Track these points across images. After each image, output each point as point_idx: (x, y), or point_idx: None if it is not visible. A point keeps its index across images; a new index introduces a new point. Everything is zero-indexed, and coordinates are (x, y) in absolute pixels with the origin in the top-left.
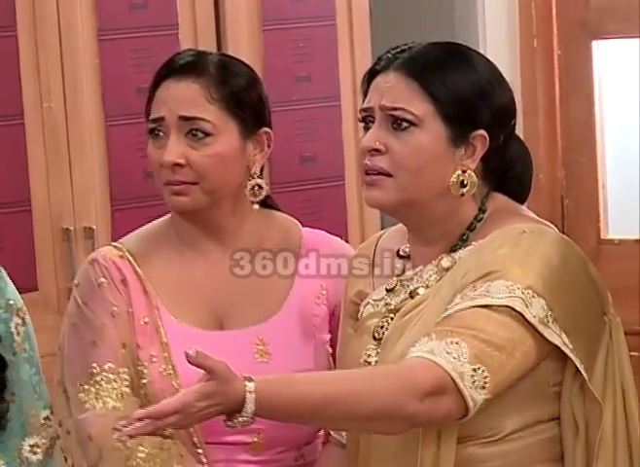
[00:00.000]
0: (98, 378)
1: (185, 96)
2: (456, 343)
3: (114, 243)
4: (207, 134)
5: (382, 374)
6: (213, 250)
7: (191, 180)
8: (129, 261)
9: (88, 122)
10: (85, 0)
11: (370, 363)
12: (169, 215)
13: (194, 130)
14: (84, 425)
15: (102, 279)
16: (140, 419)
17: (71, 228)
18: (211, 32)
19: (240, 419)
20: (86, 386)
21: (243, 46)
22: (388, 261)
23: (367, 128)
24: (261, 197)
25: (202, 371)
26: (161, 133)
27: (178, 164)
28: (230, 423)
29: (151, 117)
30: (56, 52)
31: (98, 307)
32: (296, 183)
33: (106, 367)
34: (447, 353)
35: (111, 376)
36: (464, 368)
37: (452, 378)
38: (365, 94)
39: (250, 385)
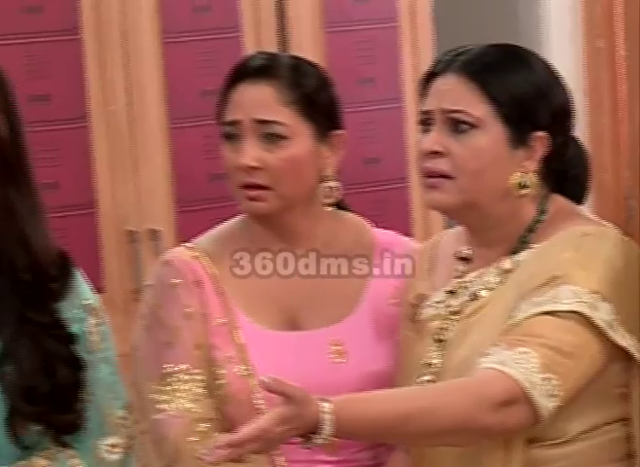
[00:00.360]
0: (173, 379)
1: (260, 99)
2: (526, 353)
3: (187, 244)
4: (282, 137)
5: (455, 388)
6: (287, 252)
7: (266, 183)
8: (203, 262)
9: (152, 124)
10: (149, 3)
11: (430, 365)
12: (240, 217)
13: (269, 133)
14: (159, 426)
15: (176, 280)
16: (222, 447)
17: (136, 230)
18: (274, 35)
19: (318, 441)
20: (160, 387)
21: (306, 48)
22: (448, 263)
23: (425, 131)
24: (334, 199)
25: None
26: (237, 136)
27: (254, 167)
28: (306, 445)
29: (226, 120)
30: (121, 54)
31: (172, 309)
32: (359, 185)
33: (180, 368)
34: (517, 363)
35: (185, 377)
36: (534, 377)
37: (523, 389)
38: (423, 97)
39: (326, 407)
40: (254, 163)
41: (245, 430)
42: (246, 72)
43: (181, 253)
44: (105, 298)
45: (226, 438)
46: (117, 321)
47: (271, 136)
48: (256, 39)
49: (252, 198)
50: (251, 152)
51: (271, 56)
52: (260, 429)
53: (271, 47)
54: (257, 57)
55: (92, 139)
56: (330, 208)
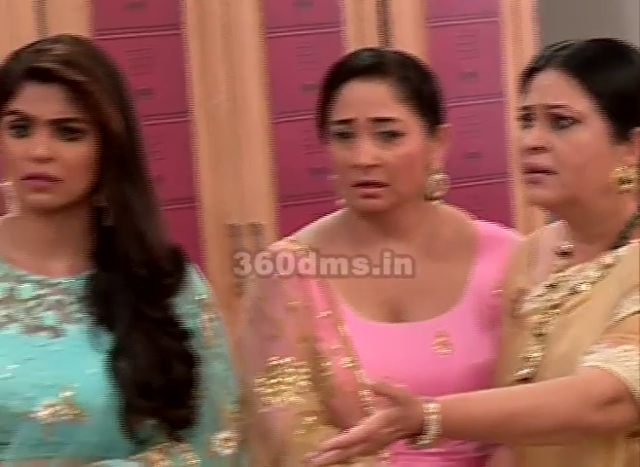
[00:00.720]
0: (278, 373)
1: (374, 97)
2: (630, 350)
3: (290, 238)
4: (398, 134)
5: (560, 387)
6: (392, 245)
7: (383, 180)
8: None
9: (253, 118)
10: None
11: (529, 359)
12: (342, 211)
13: (385, 131)
14: (265, 419)
15: (280, 274)
16: (329, 449)
17: (238, 224)
18: (375, 29)
19: (424, 442)
20: (265, 380)
21: (408, 43)
22: (548, 258)
23: (526, 126)
24: (442, 192)
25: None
26: (350, 135)
27: (371, 165)
28: (412, 445)
29: (338, 119)
30: (223, 49)
31: (276, 302)
32: (460, 180)
33: (285, 361)
34: (622, 361)
35: (290, 370)
36: (639, 375)
37: (628, 387)
38: (524, 92)
39: (432, 407)
40: (372, 162)
41: (352, 432)
42: (355, 70)
43: (284, 247)
44: None
45: (333, 440)
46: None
47: (387, 134)
48: (357, 34)
49: (368, 196)
50: (368, 150)
51: (378, 53)
52: (367, 431)
53: (373, 42)
54: (363, 55)
55: (194, 133)
56: (436, 201)
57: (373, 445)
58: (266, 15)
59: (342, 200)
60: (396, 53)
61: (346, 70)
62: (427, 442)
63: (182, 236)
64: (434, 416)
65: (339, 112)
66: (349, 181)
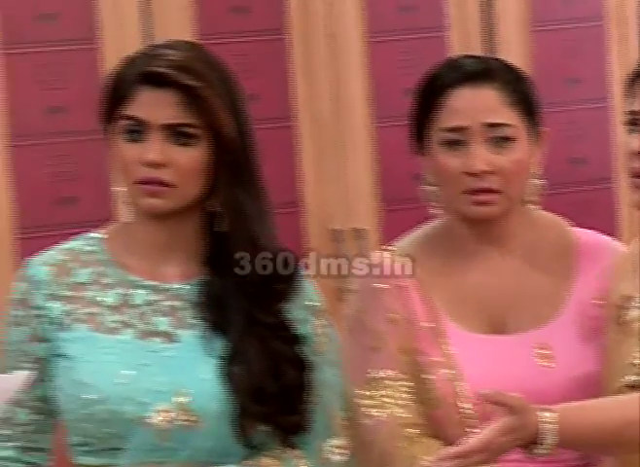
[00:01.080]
0: (378, 385)
1: (486, 103)
2: None
3: (389, 247)
4: (510, 139)
5: None
6: (494, 255)
7: (498, 187)
8: (406, 265)
9: (357, 123)
10: (354, 3)
11: (636, 365)
12: (441, 220)
13: (498, 137)
14: (367, 431)
15: (379, 285)
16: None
17: (341, 228)
18: (479, 34)
19: (541, 451)
20: (366, 392)
21: (513, 47)
22: None
23: (632, 131)
24: (539, 198)
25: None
26: (461, 142)
27: (486, 172)
28: (529, 455)
29: (447, 126)
30: (327, 54)
31: (377, 314)
32: (565, 185)
33: (386, 373)
34: None
35: (391, 382)
36: None
37: None
38: (630, 97)
39: (549, 416)
40: (487, 168)
41: (470, 442)
42: (462, 76)
43: (384, 257)
44: None
45: (451, 450)
46: None
47: (500, 139)
48: (461, 39)
49: (482, 203)
50: (483, 156)
51: (482, 59)
52: (484, 440)
53: (476, 47)
54: (468, 61)
55: (298, 138)
56: (534, 206)
57: (490, 454)
58: (370, 19)
59: (437, 210)
60: (496, 59)
61: (452, 77)
62: (543, 451)
63: (285, 240)
64: (550, 426)
65: (448, 119)
66: (460, 188)
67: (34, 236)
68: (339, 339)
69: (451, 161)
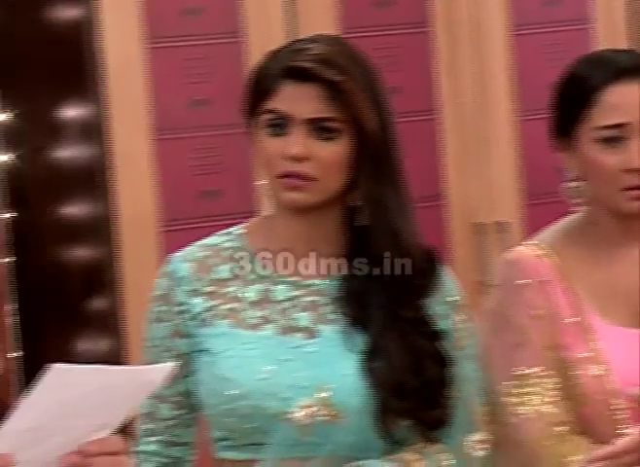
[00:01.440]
0: (525, 382)
1: None
2: None
3: (531, 242)
4: None
5: None
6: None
7: None
8: (550, 259)
9: (501, 116)
10: None
11: None
12: (584, 212)
13: None
14: (514, 429)
15: (522, 281)
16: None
17: (484, 222)
18: (625, 27)
19: None
20: (512, 390)
21: None
22: None
23: None
24: None
25: None
26: (620, 139)
27: None
28: None
29: (606, 123)
30: (471, 47)
31: (520, 310)
32: None
33: (532, 370)
34: None
35: (537, 379)
36: None
37: None
38: None
39: None
40: None
41: (622, 442)
42: (616, 72)
43: (525, 252)
44: None
45: (601, 451)
46: None
47: None
48: (607, 31)
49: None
50: None
51: (633, 54)
52: (635, 441)
53: (622, 40)
54: (618, 56)
55: (441, 131)
56: None
57: None
58: (515, 12)
59: (581, 206)
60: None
61: (604, 73)
62: None
63: (427, 234)
64: None
65: (605, 117)
66: (619, 186)
67: (178, 229)
68: (480, 334)
69: (609, 158)
